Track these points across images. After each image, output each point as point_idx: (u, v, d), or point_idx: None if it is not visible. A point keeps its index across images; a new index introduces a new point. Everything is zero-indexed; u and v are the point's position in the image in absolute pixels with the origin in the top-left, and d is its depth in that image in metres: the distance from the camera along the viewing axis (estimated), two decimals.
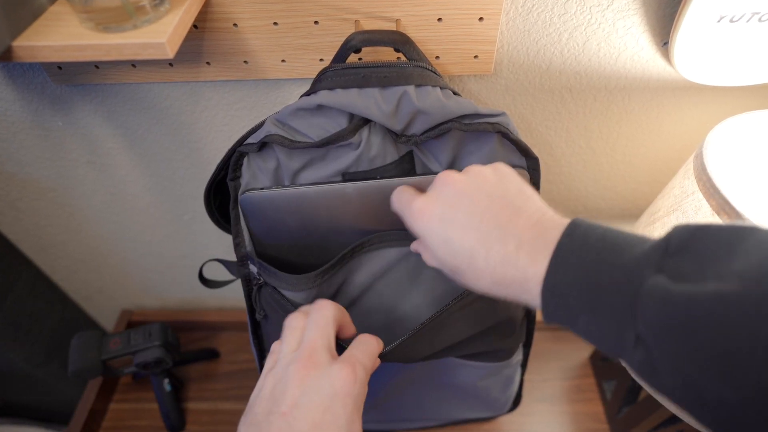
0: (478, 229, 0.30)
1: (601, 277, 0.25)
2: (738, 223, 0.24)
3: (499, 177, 0.34)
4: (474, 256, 0.30)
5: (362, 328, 0.39)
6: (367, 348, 0.36)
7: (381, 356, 0.39)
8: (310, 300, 0.45)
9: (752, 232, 0.23)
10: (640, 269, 0.24)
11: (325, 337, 0.34)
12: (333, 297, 0.47)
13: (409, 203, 0.35)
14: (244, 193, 0.42)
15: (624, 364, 0.26)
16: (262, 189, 0.42)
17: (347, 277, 0.47)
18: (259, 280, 0.46)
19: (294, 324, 0.36)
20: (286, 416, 0.31)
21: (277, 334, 0.40)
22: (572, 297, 0.26)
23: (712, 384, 0.21)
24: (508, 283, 0.29)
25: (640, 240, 0.26)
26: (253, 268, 0.46)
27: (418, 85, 0.39)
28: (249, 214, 0.43)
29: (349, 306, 0.48)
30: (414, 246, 0.41)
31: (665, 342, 0.23)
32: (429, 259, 0.36)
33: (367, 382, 0.34)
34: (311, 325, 0.35)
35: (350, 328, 0.38)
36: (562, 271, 0.27)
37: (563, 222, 0.29)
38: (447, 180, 0.34)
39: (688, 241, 0.24)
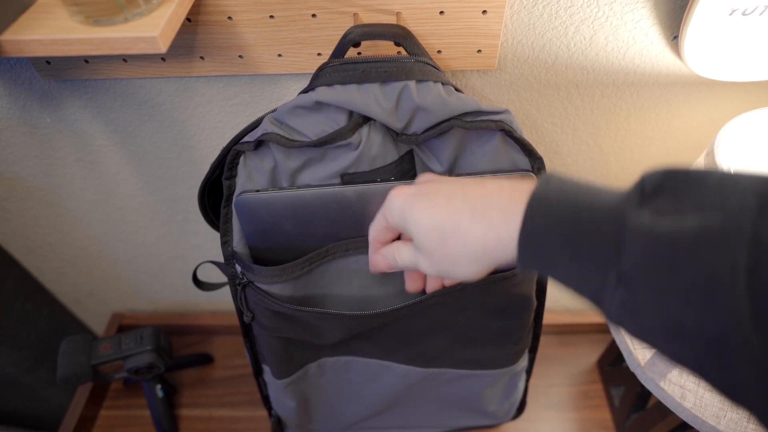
0: (465, 201, 0.32)
1: (581, 220, 0.26)
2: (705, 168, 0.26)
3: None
4: (459, 221, 0.31)
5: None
6: None
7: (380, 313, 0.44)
8: (293, 293, 0.45)
9: (720, 172, 0.25)
10: (620, 209, 0.25)
11: None
12: (311, 290, 0.47)
13: (390, 198, 0.36)
14: (239, 195, 0.42)
15: (601, 310, 0.27)
16: (257, 191, 0.42)
17: (325, 272, 0.47)
18: (242, 279, 0.45)
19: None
20: None
21: (266, 335, 0.40)
22: (550, 241, 0.27)
23: (695, 316, 0.22)
24: (504, 246, 0.30)
25: (613, 188, 0.28)
26: (238, 268, 0.46)
27: (419, 81, 0.39)
28: (244, 217, 0.43)
29: (327, 295, 0.48)
30: (407, 271, 0.40)
31: (649, 278, 0.24)
32: (425, 264, 0.35)
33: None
34: None
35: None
36: (540, 215, 0.28)
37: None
38: (421, 177, 0.38)
39: (661, 181, 0.26)
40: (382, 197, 0.41)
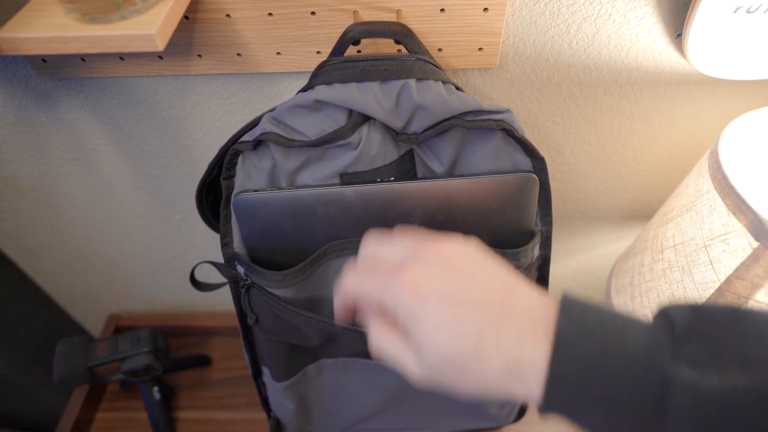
0: (485, 306, 0.27)
1: (614, 370, 0.24)
2: (730, 303, 0.26)
3: (479, 251, 0.31)
4: (483, 338, 0.27)
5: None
6: None
7: None
8: (295, 295, 0.45)
9: (747, 311, 0.25)
10: (656, 358, 0.24)
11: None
12: (313, 291, 0.47)
13: (396, 273, 0.29)
14: (237, 195, 0.42)
15: None
16: (256, 191, 0.42)
17: (324, 273, 0.47)
18: (247, 281, 0.46)
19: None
20: None
21: (268, 339, 0.40)
22: (580, 388, 0.25)
23: None
24: (525, 368, 0.26)
25: (635, 320, 0.26)
26: (241, 269, 0.46)
27: (419, 79, 0.39)
28: (242, 217, 0.43)
29: (327, 297, 0.48)
30: (379, 353, 0.31)
31: None
32: (413, 367, 0.29)
33: None
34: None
35: None
36: (567, 359, 0.25)
37: (552, 303, 0.28)
38: (435, 249, 0.30)
39: (691, 323, 0.25)
40: (382, 198, 0.41)
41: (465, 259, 0.29)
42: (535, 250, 0.46)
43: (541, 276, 0.50)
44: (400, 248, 0.31)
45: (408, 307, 0.28)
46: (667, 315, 0.26)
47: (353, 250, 0.45)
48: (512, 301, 0.28)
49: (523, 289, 0.29)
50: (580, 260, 0.73)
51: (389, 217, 0.43)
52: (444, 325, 0.27)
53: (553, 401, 0.26)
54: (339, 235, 0.44)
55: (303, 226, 0.43)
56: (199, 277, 0.54)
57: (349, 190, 0.41)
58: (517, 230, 0.45)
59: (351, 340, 0.50)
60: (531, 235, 0.45)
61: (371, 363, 0.54)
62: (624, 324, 0.26)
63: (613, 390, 0.24)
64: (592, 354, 0.25)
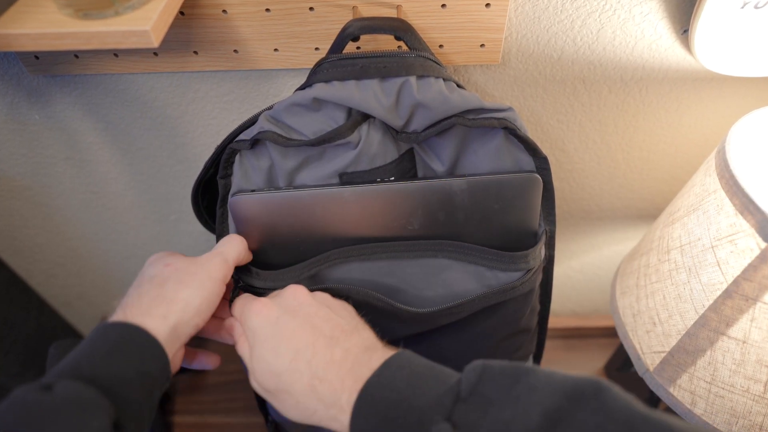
0: (312, 330, 0.35)
1: (397, 422, 0.30)
2: (517, 364, 0.29)
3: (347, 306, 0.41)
4: (298, 356, 0.34)
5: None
6: (230, 242, 0.41)
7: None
8: None
9: (527, 373, 0.29)
10: (429, 417, 0.29)
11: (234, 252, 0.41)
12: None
13: (251, 301, 0.39)
14: (234, 195, 0.42)
15: None
16: (253, 191, 0.42)
17: (325, 279, 0.47)
18: (240, 283, 0.45)
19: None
20: (163, 270, 0.38)
21: None
22: (377, 427, 0.31)
23: None
24: (328, 392, 0.33)
25: (447, 378, 0.31)
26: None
27: (419, 77, 0.39)
28: (238, 218, 0.43)
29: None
30: (236, 335, 0.42)
31: None
32: (252, 378, 0.38)
33: (232, 267, 0.40)
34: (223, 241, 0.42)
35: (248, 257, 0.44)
36: (364, 413, 0.31)
37: (390, 353, 0.34)
38: (295, 291, 0.39)
39: (476, 384, 0.29)
40: (382, 198, 0.41)
41: (322, 301, 0.39)
42: (542, 251, 0.46)
43: (545, 277, 0.50)
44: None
45: (254, 329, 0.37)
46: (463, 373, 0.30)
47: (357, 257, 0.45)
48: (343, 336, 0.35)
49: (364, 332, 0.37)
50: (584, 261, 0.73)
51: (389, 218, 0.43)
52: (271, 355, 0.35)
53: None
54: (338, 236, 0.44)
55: (301, 227, 0.43)
56: None
57: (348, 191, 0.41)
58: (520, 231, 0.45)
59: None
60: (534, 236, 0.45)
61: None
62: (435, 378, 0.31)
63: None
64: (384, 409, 0.30)
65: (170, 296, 0.36)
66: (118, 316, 0.35)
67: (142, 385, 0.32)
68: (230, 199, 0.42)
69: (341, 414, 0.32)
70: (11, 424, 0.27)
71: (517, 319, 0.49)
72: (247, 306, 0.39)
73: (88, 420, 0.27)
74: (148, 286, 0.37)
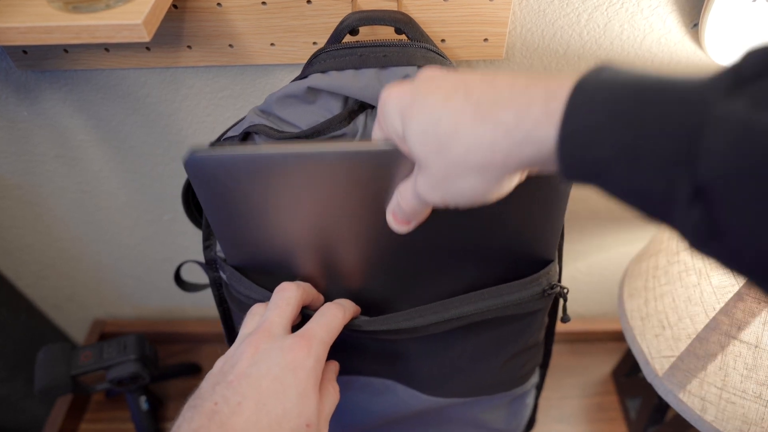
0: (467, 99, 0.26)
1: (645, 115, 0.20)
2: None
3: None
4: (463, 131, 0.26)
5: None
6: (325, 320, 0.36)
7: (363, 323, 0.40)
8: None
9: None
10: (703, 99, 0.19)
11: (283, 317, 0.36)
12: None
13: (383, 100, 0.30)
14: (191, 152, 0.33)
15: (670, 229, 0.21)
16: (211, 145, 0.35)
17: None
18: (226, 287, 0.45)
19: (255, 311, 0.39)
20: (232, 384, 0.32)
21: None
22: (602, 143, 0.21)
23: None
24: (535, 150, 0.24)
25: (696, 75, 0.21)
26: (224, 275, 0.45)
27: (421, 68, 0.38)
28: (199, 184, 0.34)
29: None
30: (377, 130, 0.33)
31: (741, 191, 0.18)
32: (424, 186, 0.29)
33: (324, 355, 0.35)
34: (270, 306, 0.36)
35: (319, 300, 0.40)
36: (586, 110, 0.22)
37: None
38: (423, 73, 0.30)
39: (766, 61, 0.19)
40: (375, 166, 0.33)
41: (458, 76, 0.29)
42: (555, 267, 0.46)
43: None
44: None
45: (394, 110, 0.29)
46: (740, 59, 0.20)
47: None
48: (502, 93, 0.25)
49: (524, 79, 0.26)
50: (591, 262, 0.73)
51: (385, 191, 0.34)
52: (420, 112, 0.27)
53: (570, 164, 0.23)
54: (324, 215, 0.36)
55: (281, 205, 0.36)
56: (187, 277, 0.54)
57: (332, 149, 0.32)
58: (536, 236, 0.42)
59: (350, 352, 0.49)
60: (551, 245, 0.43)
61: (373, 381, 0.53)
62: (677, 77, 0.21)
63: (642, 138, 0.21)
64: (618, 99, 0.21)
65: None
66: None
67: None
68: (185, 160, 0.33)
69: (538, 134, 0.23)
70: None
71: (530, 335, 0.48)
72: (378, 113, 0.31)
73: None
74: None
